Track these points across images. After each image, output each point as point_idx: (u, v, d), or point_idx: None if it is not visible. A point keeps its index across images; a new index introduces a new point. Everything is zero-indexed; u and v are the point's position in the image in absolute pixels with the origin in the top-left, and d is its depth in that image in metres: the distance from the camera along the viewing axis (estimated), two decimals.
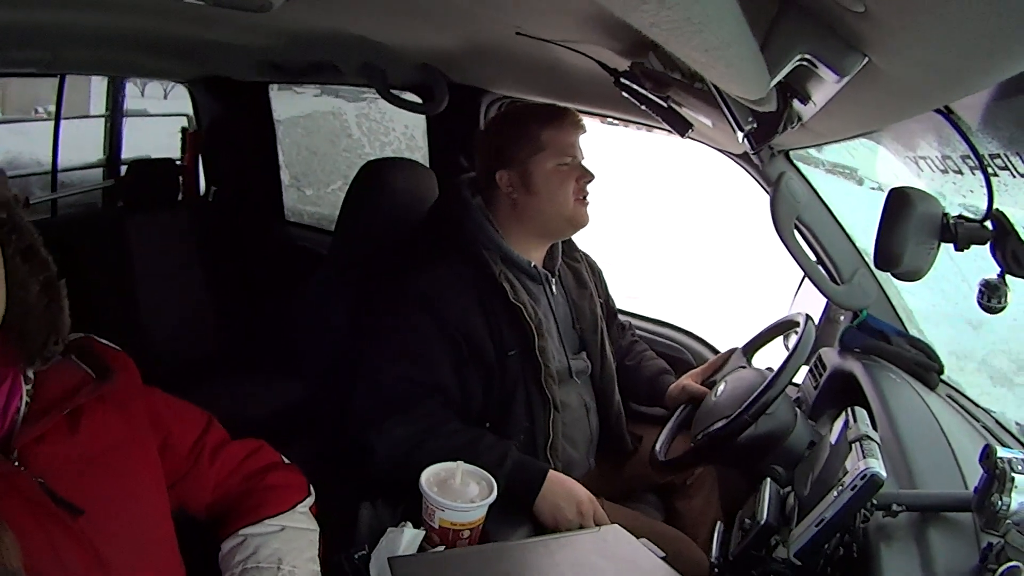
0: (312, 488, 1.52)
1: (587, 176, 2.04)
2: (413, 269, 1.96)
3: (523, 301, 1.96)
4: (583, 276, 2.27)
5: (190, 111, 4.09)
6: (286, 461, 1.55)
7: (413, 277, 1.94)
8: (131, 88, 4.72)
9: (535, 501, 1.80)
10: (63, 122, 4.23)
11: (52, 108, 4.34)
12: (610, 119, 2.71)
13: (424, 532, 1.53)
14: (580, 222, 2.08)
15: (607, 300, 2.40)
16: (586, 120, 2.12)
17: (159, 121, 4.99)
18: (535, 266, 2.08)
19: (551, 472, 1.84)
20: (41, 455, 1.12)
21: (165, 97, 7.75)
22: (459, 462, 1.61)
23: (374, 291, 2.03)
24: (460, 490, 1.56)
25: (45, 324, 1.17)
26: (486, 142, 2.13)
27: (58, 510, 1.10)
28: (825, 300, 2.25)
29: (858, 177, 2.61)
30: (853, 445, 1.29)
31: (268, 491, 1.45)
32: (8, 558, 1.00)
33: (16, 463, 1.10)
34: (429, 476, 1.58)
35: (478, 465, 1.68)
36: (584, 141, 2.10)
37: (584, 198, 2.05)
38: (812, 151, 2.20)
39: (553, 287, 2.13)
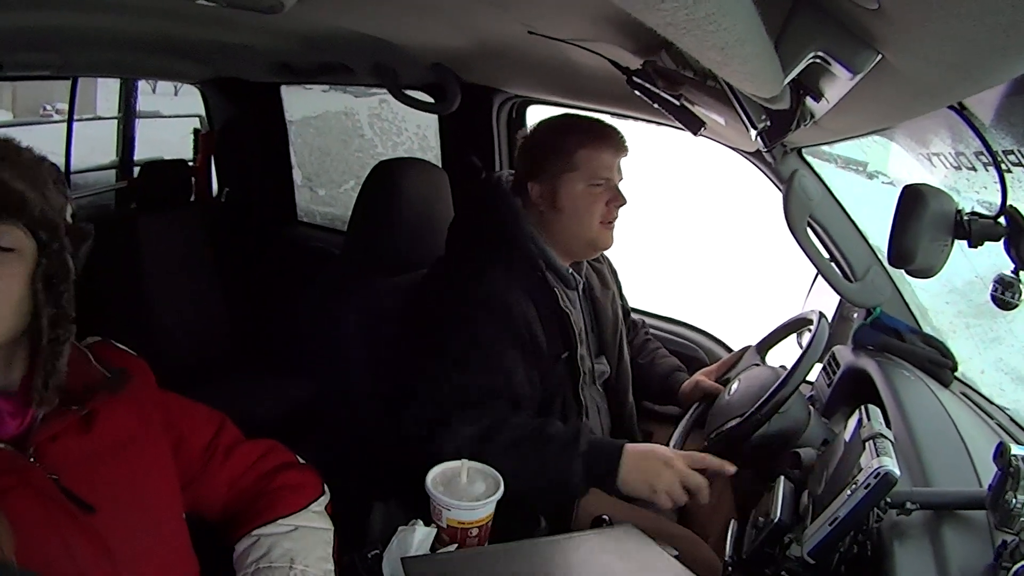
0: (326, 487, 1.53)
1: (618, 200, 2.00)
2: (469, 274, 1.93)
3: (569, 308, 1.96)
4: (606, 278, 2.26)
5: (202, 111, 4.11)
6: (300, 460, 1.56)
7: (472, 281, 1.91)
8: (143, 85, 4.74)
9: (619, 474, 1.75)
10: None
11: (60, 106, 4.37)
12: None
13: (435, 530, 1.53)
14: (602, 246, 2.06)
15: (623, 300, 2.39)
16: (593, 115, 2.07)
17: (171, 120, 5.02)
18: (572, 273, 2.07)
19: (627, 444, 1.80)
20: (55, 452, 1.16)
21: (176, 94, 7.79)
22: (463, 460, 1.60)
23: (418, 296, 2.02)
24: (466, 489, 1.56)
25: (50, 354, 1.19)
26: (523, 150, 2.10)
27: (70, 505, 1.13)
28: (838, 298, 2.24)
29: (868, 172, 2.60)
30: (867, 443, 1.29)
31: (281, 491, 1.46)
32: (4, 547, 1.02)
33: (31, 459, 1.13)
34: (435, 476, 1.57)
35: (550, 448, 1.70)
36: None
37: (611, 222, 2.01)
38: (823, 147, 2.19)
39: (581, 292, 2.13)
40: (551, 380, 1.95)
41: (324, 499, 1.51)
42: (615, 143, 2.01)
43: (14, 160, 1.14)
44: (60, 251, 1.18)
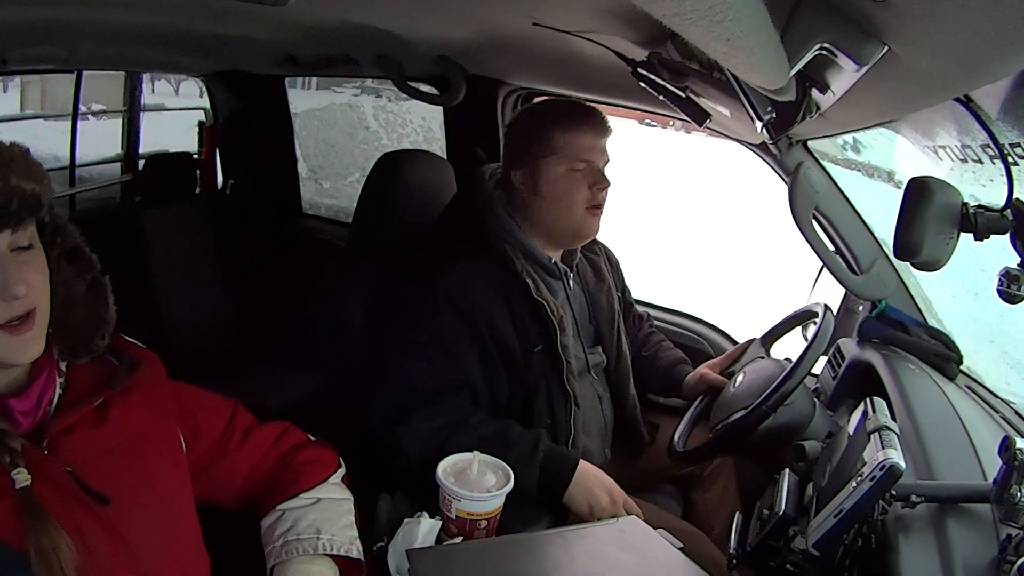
0: (342, 461, 1.56)
1: (601, 183, 1.97)
2: (437, 266, 1.93)
3: (545, 297, 1.94)
4: (601, 269, 2.25)
5: (206, 104, 4.11)
6: (312, 439, 1.58)
7: (438, 275, 1.90)
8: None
9: (568, 489, 1.81)
10: (102, 119, 4.28)
11: (95, 107, 4.38)
12: (648, 121, 2.69)
13: (441, 522, 1.53)
14: (586, 233, 2.04)
15: (624, 292, 2.38)
16: (622, 122, 2.04)
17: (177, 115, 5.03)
18: (555, 262, 2.05)
19: (582, 461, 1.85)
20: (70, 445, 1.17)
21: (176, 93, 7.82)
22: (476, 452, 1.61)
23: (395, 286, 2.03)
24: (477, 480, 1.57)
25: (92, 320, 1.25)
26: (507, 138, 2.10)
27: (86, 497, 1.15)
28: (843, 290, 2.24)
29: (896, 180, 2.58)
30: (872, 436, 1.29)
31: (301, 467, 1.49)
32: (66, 567, 1.06)
33: (46, 452, 1.15)
34: (446, 467, 1.59)
35: (510, 454, 1.70)
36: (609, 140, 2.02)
37: (597, 207, 1.99)
38: (851, 155, 2.19)
39: (571, 282, 2.11)
40: (530, 372, 1.95)
41: (341, 472, 1.54)
42: (595, 124, 1.99)
43: (18, 160, 1.13)
44: (65, 224, 1.25)
